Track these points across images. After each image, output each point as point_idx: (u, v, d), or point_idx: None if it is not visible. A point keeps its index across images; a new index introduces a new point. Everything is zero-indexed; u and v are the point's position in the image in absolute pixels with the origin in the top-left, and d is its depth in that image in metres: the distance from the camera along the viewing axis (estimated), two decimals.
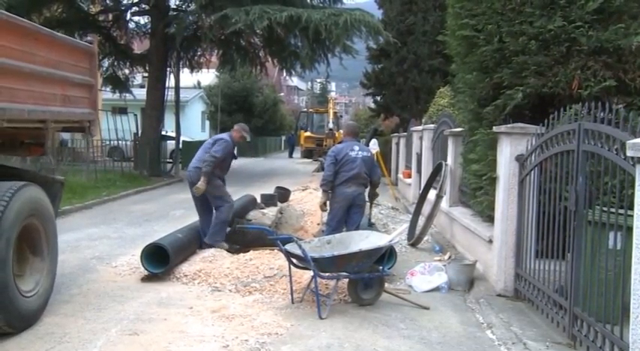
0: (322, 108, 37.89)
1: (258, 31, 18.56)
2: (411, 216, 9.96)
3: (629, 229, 3.76)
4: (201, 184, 7.23)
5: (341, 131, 31.23)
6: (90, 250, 7.76)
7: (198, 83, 36.67)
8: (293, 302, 5.61)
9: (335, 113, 33.50)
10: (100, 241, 8.42)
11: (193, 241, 7.17)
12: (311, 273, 5.47)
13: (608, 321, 4.02)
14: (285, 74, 28.35)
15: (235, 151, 8.00)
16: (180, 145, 20.73)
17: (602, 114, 4.32)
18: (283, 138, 48.83)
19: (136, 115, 20.71)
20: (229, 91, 38.91)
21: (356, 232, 6.41)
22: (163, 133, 20.57)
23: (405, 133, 17.43)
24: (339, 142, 7.78)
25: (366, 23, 17.54)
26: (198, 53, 21.86)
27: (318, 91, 70.46)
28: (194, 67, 22.39)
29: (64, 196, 6.67)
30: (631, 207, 3.74)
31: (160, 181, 17.38)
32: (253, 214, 8.87)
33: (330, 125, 30.47)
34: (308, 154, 32.60)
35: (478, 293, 6.17)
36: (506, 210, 6.06)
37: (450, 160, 9.38)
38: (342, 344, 4.59)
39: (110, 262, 7.07)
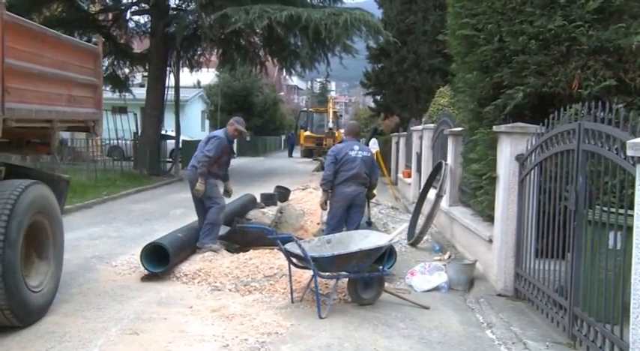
0: (322, 107, 37.92)
1: (258, 30, 18.58)
2: (410, 215, 9.96)
3: (630, 229, 3.76)
4: (199, 185, 7.21)
5: (341, 131, 31.32)
6: (90, 250, 7.76)
7: (198, 82, 36.70)
8: (293, 302, 5.61)
9: (335, 113, 33.51)
10: (100, 241, 8.42)
11: (193, 241, 7.16)
12: (311, 272, 5.47)
13: (608, 321, 4.02)
14: (284, 74, 28.34)
15: (235, 147, 7.92)
16: (180, 145, 20.74)
17: (602, 113, 4.32)
18: (283, 137, 48.84)
19: (135, 114, 20.72)
20: (229, 90, 38.95)
21: (356, 231, 6.40)
22: (163, 132, 20.58)
23: (405, 133, 17.43)
24: (340, 142, 7.78)
25: (366, 22, 17.55)
26: (198, 52, 21.87)
27: (318, 91, 70.54)
28: (194, 66, 22.40)
29: None
30: (631, 207, 3.73)
31: (160, 181, 17.39)
32: (253, 214, 8.87)
33: (330, 125, 30.49)
34: (308, 153, 32.62)
35: (478, 293, 6.17)
36: (506, 210, 6.06)
37: (449, 160, 9.37)
38: (342, 344, 4.59)
39: (110, 262, 7.07)
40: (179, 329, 4.78)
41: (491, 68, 6.47)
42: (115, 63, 20.94)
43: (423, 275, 6.52)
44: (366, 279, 5.64)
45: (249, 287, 5.98)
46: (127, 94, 21.36)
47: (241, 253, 7.08)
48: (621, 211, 4.05)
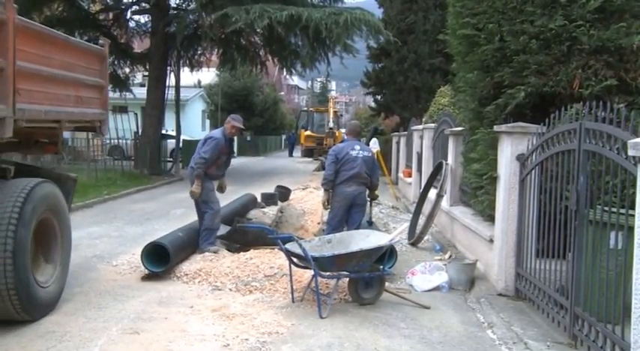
0: (323, 107, 37.92)
1: (258, 30, 18.57)
2: (411, 215, 9.96)
3: (631, 229, 3.75)
4: (195, 187, 7.16)
5: (341, 130, 31.33)
6: (91, 249, 7.76)
7: (199, 82, 36.69)
8: (293, 301, 5.61)
9: (335, 112, 33.52)
10: (100, 240, 8.42)
11: (194, 240, 7.16)
12: (311, 272, 5.46)
13: (610, 321, 4.02)
14: (285, 73, 28.34)
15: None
16: (181, 144, 20.74)
17: (603, 113, 4.31)
18: (284, 137, 48.85)
19: (136, 114, 20.72)
20: (230, 90, 38.96)
21: (356, 231, 6.40)
22: (164, 132, 20.58)
23: (406, 133, 17.42)
24: (341, 141, 7.79)
25: (367, 22, 17.54)
26: (199, 52, 21.87)
27: (319, 90, 70.54)
28: (194, 66, 22.40)
29: None
30: (632, 206, 3.73)
31: (161, 180, 17.39)
32: (254, 213, 8.88)
33: (331, 124, 30.49)
34: (308, 153, 32.62)
35: (479, 293, 6.17)
36: (507, 209, 6.05)
37: (450, 160, 9.37)
38: (343, 343, 4.59)
39: (111, 261, 7.07)
40: (180, 329, 4.78)
41: (491, 68, 6.47)
42: (116, 62, 20.93)
43: (423, 275, 6.51)
44: (366, 279, 5.63)
45: (249, 287, 5.98)
46: (127, 93, 21.37)
47: (242, 253, 7.08)
48: (622, 210, 4.04)
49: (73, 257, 7.03)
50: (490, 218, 6.90)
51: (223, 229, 7.60)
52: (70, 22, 18.37)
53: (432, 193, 9.33)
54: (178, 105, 20.69)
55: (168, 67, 20.05)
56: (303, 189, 13.43)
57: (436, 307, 5.71)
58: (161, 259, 6.30)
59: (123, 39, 20.75)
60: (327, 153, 7.45)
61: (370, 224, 7.52)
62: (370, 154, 7.12)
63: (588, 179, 4.55)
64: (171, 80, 20.01)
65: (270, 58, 21.96)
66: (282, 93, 57.73)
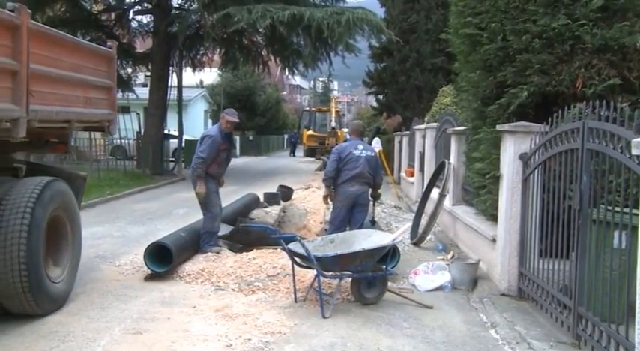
0: (325, 107, 37.90)
1: (260, 29, 18.58)
2: (413, 215, 9.95)
3: (635, 228, 3.75)
4: (198, 188, 7.15)
5: (343, 130, 31.34)
6: (93, 249, 7.75)
7: (201, 82, 36.71)
8: (296, 301, 5.60)
9: (337, 112, 33.52)
10: (103, 240, 8.43)
11: (196, 240, 7.16)
12: (314, 272, 5.46)
13: (613, 320, 4.01)
14: (287, 73, 28.33)
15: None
16: (183, 144, 20.76)
17: (606, 112, 4.30)
18: (286, 137, 48.85)
19: (138, 114, 20.73)
20: (232, 89, 38.96)
21: (359, 231, 6.40)
22: (166, 132, 20.59)
23: (408, 132, 17.41)
24: (344, 141, 7.79)
25: (369, 22, 17.53)
26: (201, 52, 21.90)
27: (321, 90, 70.49)
28: (196, 65, 22.42)
29: None
30: (636, 206, 3.73)
31: (163, 180, 17.41)
32: (256, 213, 8.88)
33: (333, 124, 30.48)
34: (310, 152, 32.62)
35: (482, 292, 6.15)
36: (509, 209, 6.04)
37: (453, 159, 9.36)
38: (346, 343, 4.58)
39: (114, 261, 7.07)
40: (182, 329, 4.78)
41: (494, 67, 6.46)
42: (118, 63, 20.89)
43: (426, 275, 6.50)
44: (369, 278, 5.63)
45: (252, 287, 5.98)
46: (129, 93, 21.39)
47: (244, 253, 7.08)
48: (626, 210, 4.03)
49: None
50: (493, 218, 6.89)
51: (226, 229, 7.59)
52: (72, 23, 18.41)
53: (435, 193, 9.32)
54: (181, 105, 20.70)
55: (171, 67, 20.07)
56: (306, 189, 13.44)
57: (439, 307, 5.71)
58: (164, 259, 6.30)
59: (125, 39, 20.77)
60: (330, 153, 7.44)
61: (373, 224, 7.52)
62: (373, 154, 7.12)
63: (591, 178, 4.53)
64: (173, 80, 20.03)
65: (272, 57, 21.97)
66: (284, 93, 57.75)
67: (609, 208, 4.21)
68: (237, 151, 33.11)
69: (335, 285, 5.67)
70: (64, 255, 5.47)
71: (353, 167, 6.82)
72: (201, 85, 37.27)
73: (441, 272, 6.50)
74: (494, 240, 6.51)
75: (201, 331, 4.72)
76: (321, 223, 9.04)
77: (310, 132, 33.99)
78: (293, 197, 11.46)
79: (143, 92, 21.65)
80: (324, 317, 5.15)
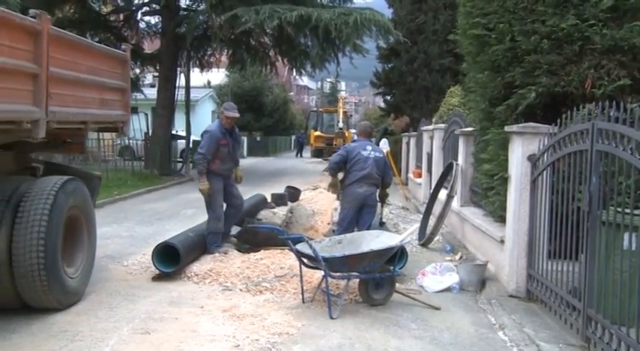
0: (332, 107, 37.88)
1: (268, 30, 18.59)
2: (421, 216, 9.93)
3: None
4: (200, 185, 7.15)
5: (351, 131, 31.31)
6: (101, 249, 7.75)
7: (209, 83, 36.78)
8: (304, 302, 5.61)
9: (345, 113, 33.48)
10: (111, 240, 8.46)
11: (204, 241, 7.17)
12: (322, 273, 5.46)
13: (624, 323, 3.98)
14: (294, 74, 28.34)
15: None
16: (191, 145, 20.77)
17: (616, 113, 4.28)
18: (293, 137, 48.90)
19: (146, 114, 20.81)
20: (239, 90, 39.02)
21: (367, 231, 6.39)
22: (174, 132, 20.63)
23: (416, 133, 17.38)
24: (353, 141, 7.79)
25: (376, 22, 17.51)
26: (209, 53, 21.94)
27: (328, 91, 70.46)
28: (204, 66, 22.46)
29: None
30: None
31: (171, 180, 17.46)
32: (264, 214, 8.87)
33: (340, 125, 30.46)
34: (318, 153, 32.61)
35: (490, 294, 6.13)
36: (518, 210, 6.01)
37: (460, 160, 9.33)
38: (354, 344, 4.58)
39: (122, 261, 7.10)
40: (190, 329, 4.79)
41: (502, 68, 6.44)
42: None
43: (434, 276, 6.49)
44: (377, 279, 5.62)
45: (260, 287, 5.98)
46: (137, 94, 21.44)
47: (252, 253, 7.09)
48: (636, 211, 4.01)
49: None
50: (501, 219, 6.86)
51: (234, 230, 7.60)
52: (81, 24, 18.49)
53: (443, 194, 9.30)
54: (188, 105, 20.74)
55: (178, 68, 20.12)
56: (313, 189, 13.41)
57: (447, 309, 5.69)
58: (172, 260, 6.32)
59: (133, 40, 20.83)
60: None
61: (382, 225, 7.50)
62: (382, 155, 7.10)
63: (601, 180, 4.51)
64: (181, 81, 20.07)
65: (279, 58, 21.98)
66: (292, 93, 57.76)
67: (619, 209, 4.18)
68: (245, 152, 33.17)
69: (342, 286, 5.66)
70: (80, 251, 5.65)
71: (361, 168, 6.80)
72: (208, 85, 37.34)
73: (449, 273, 6.49)
74: (502, 241, 6.48)
75: (209, 332, 4.72)
76: (328, 223, 9.03)
77: (318, 133, 33.99)
78: (300, 198, 11.44)
79: (151, 93, 21.72)
80: (331, 318, 5.15)
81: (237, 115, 7.33)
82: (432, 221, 9.17)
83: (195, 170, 7.25)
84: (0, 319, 4.83)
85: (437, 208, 9.34)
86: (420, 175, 14.87)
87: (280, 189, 11.79)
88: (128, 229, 9.48)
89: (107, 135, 17.75)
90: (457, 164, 9.16)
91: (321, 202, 10.98)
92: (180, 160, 21.49)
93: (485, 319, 5.45)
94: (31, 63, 4.64)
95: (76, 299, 5.35)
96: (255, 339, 4.57)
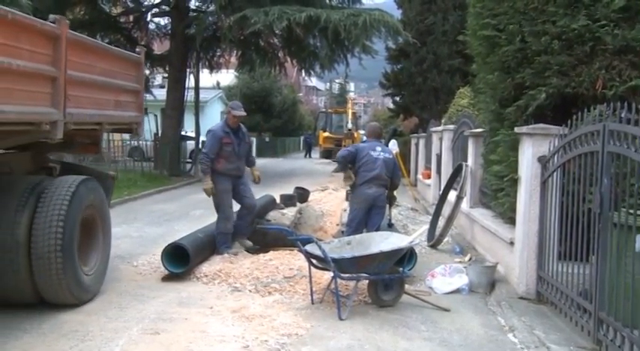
0: (341, 108, 37.85)
1: (277, 31, 18.62)
2: (430, 217, 9.91)
3: None
4: (204, 183, 7.16)
5: (360, 131, 31.27)
6: (112, 250, 7.71)
7: (218, 84, 36.88)
8: (313, 303, 5.60)
9: (354, 113, 33.44)
10: (121, 241, 8.49)
11: (213, 241, 7.19)
12: (331, 274, 5.46)
13: (636, 326, 3.95)
14: (303, 74, 28.37)
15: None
16: (200, 145, 20.84)
17: (627, 114, 4.25)
18: (302, 138, 48.94)
19: (156, 115, 20.89)
20: (248, 91, 39.10)
21: (376, 233, 6.38)
22: (183, 133, 20.69)
23: (425, 134, 17.34)
24: (363, 142, 7.78)
25: (386, 23, 17.50)
26: (218, 54, 22.01)
27: (337, 92, 70.43)
28: (213, 67, 22.53)
29: None
30: None
31: (180, 181, 17.51)
32: (273, 215, 8.88)
33: (349, 125, 30.44)
34: (327, 154, 32.59)
35: (499, 296, 6.10)
36: (528, 211, 5.99)
37: (470, 161, 9.30)
38: (363, 346, 4.58)
39: (131, 262, 7.13)
40: (200, 329, 4.80)
41: (512, 69, 6.41)
42: None
43: (443, 277, 6.47)
44: (386, 281, 5.61)
45: (269, 288, 5.99)
46: (147, 95, 21.48)
47: (261, 254, 7.10)
48: None
49: None
50: (511, 220, 6.84)
51: None
52: (91, 25, 18.60)
53: (452, 195, 9.28)
54: (198, 106, 20.82)
55: (188, 69, 20.19)
56: (322, 190, 13.42)
57: (456, 310, 5.67)
58: (181, 260, 6.34)
59: (143, 41, 20.96)
60: None
61: (390, 226, 7.49)
62: (391, 156, 7.09)
63: (612, 181, 4.48)
64: (190, 82, 20.14)
65: (288, 59, 22.00)
66: (301, 94, 57.79)
67: (631, 211, 4.15)
68: (254, 153, 33.17)
69: (352, 287, 5.65)
70: (96, 250, 5.80)
71: (371, 169, 6.79)
72: (218, 86, 37.45)
73: (459, 275, 6.46)
74: (512, 243, 6.46)
75: (219, 332, 4.74)
76: (337, 224, 9.03)
77: (327, 133, 33.98)
78: (309, 199, 11.44)
79: (161, 94, 21.81)
80: (340, 319, 5.15)
81: (243, 113, 7.28)
82: (441, 222, 9.14)
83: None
84: (12, 318, 4.87)
85: (446, 210, 9.32)
86: (429, 177, 14.84)
87: (289, 190, 11.79)
88: (138, 230, 9.52)
89: (117, 136, 17.89)
90: (466, 165, 9.14)
91: (330, 203, 10.99)
92: (190, 160, 21.56)
93: (495, 321, 5.43)
94: (50, 66, 4.79)
95: (90, 297, 5.44)
96: (265, 340, 4.58)
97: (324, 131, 34.52)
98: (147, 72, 21.81)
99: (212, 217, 8.20)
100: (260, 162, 28.48)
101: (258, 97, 39.72)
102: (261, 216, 8.57)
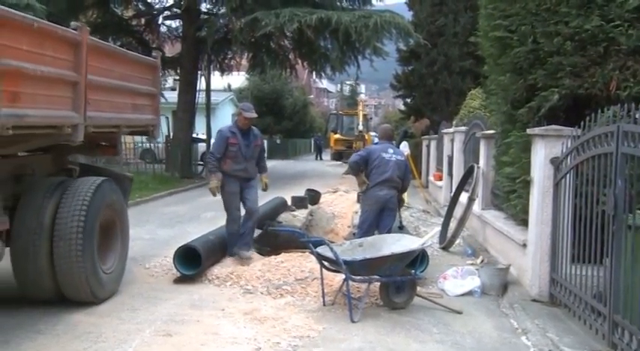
0: (352, 110, 37.82)
1: (288, 33, 18.66)
2: (442, 219, 9.87)
3: None
4: (209, 183, 7.20)
5: (371, 133, 31.25)
6: None
7: (229, 86, 37.02)
8: (325, 305, 5.60)
9: (365, 115, 33.40)
10: (133, 243, 8.44)
11: (225, 244, 7.20)
12: (342, 276, 5.45)
13: None
14: (314, 76, 28.41)
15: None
16: (211, 147, 20.90)
17: None
18: (312, 140, 49.01)
19: (167, 117, 20.98)
20: (259, 93, 39.22)
21: (388, 235, 6.37)
22: (194, 135, 20.76)
23: (436, 136, 17.29)
24: (374, 144, 7.77)
25: (396, 25, 17.49)
26: (229, 56, 22.08)
27: (348, 93, 70.41)
28: (224, 69, 22.61)
29: None
30: None
31: (191, 183, 17.57)
32: (284, 217, 8.89)
33: (360, 127, 30.41)
34: (338, 156, 32.59)
35: (512, 298, 6.06)
36: (540, 213, 5.95)
37: (482, 163, 9.26)
38: (375, 348, 4.57)
39: (143, 264, 7.16)
40: (212, 331, 4.81)
41: (524, 70, 6.38)
42: None
43: (455, 279, 6.44)
44: (398, 283, 5.59)
45: (280, 290, 5.99)
46: None
47: (273, 256, 7.10)
48: None
49: None
50: (523, 222, 6.79)
51: (254, 233, 7.61)
52: (104, 28, 18.73)
53: (464, 197, 9.24)
54: (209, 108, 20.90)
55: (199, 71, 20.27)
56: (333, 192, 13.41)
57: (469, 313, 5.64)
58: (193, 262, 6.36)
59: (154, 44, 21.07)
60: None
61: (401, 229, 7.47)
62: (403, 158, 7.07)
63: (626, 183, 4.44)
64: (201, 84, 20.21)
65: (299, 61, 22.04)
66: (312, 96, 57.87)
67: None
68: (265, 154, 33.27)
69: (363, 289, 5.65)
70: (114, 249, 5.94)
71: (383, 171, 6.77)
72: (229, 88, 37.58)
73: (471, 277, 6.43)
74: (524, 245, 6.42)
75: (231, 334, 4.74)
76: (348, 226, 9.02)
77: (337, 135, 33.98)
78: (321, 201, 11.46)
79: (172, 96, 21.90)
80: (352, 321, 5.14)
81: (254, 115, 7.21)
82: (452, 224, 9.10)
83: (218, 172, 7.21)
84: (26, 319, 4.92)
85: (458, 211, 9.28)
86: (440, 178, 14.79)
87: (300, 192, 11.83)
88: (150, 232, 9.56)
89: (128, 138, 17.97)
90: (478, 167, 9.09)
91: (341, 205, 10.98)
92: (201, 162, 21.63)
93: (508, 323, 5.39)
94: (71, 71, 4.97)
95: (106, 296, 5.56)
96: (277, 342, 4.58)
97: (335, 133, 34.51)
98: None
99: (223, 220, 8.21)
100: (271, 164, 28.51)
101: (269, 99, 39.83)
102: (273, 218, 8.58)
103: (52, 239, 5.05)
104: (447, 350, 4.63)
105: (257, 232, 7.73)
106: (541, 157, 5.96)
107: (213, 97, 23.86)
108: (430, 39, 20.21)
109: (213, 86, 22.03)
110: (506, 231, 7.29)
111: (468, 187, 9.34)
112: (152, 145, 19.55)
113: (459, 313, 5.58)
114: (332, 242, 6.17)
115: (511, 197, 7.15)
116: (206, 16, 19.91)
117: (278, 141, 39.60)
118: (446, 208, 10.11)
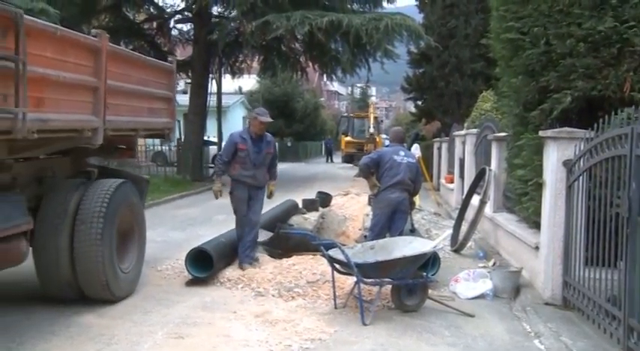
0: (363, 113, 37.77)
1: (299, 36, 18.70)
2: (453, 222, 9.83)
3: None
4: (214, 185, 7.28)
5: (382, 136, 31.21)
6: None
7: (240, 89, 37.15)
8: (336, 308, 5.60)
9: (376, 118, 33.26)
10: (146, 245, 8.55)
11: (236, 246, 7.20)
12: (354, 279, 5.44)
13: None
14: (325, 79, 28.44)
15: (273, 148, 7.21)
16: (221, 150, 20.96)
17: None
18: (323, 143, 49.06)
19: (179, 120, 20.97)
20: (270, 96, 39.30)
21: (400, 237, 6.36)
22: (205, 138, 20.84)
23: (447, 138, 17.24)
24: (386, 146, 7.77)
25: (407, 27, 17.48)
26: (240, 59, 22.14)
27: (359, 96, 70.41)
28: (236, 72, 22.67)
29: None
30: None
31: (203, 186, 17.59)
32: (295, 219, 8.91)
33: (371, 130, 30.37)
34: (349, 158, 32.54)
35: (524, 301, 6.02)
36: (553, 216, 5.91)
37: (494, 165, 9.22)
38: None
39: (155, 266, 7.19)
40: (223, 334, 4.82)
41: (537, 72, 6.35)
42: None
43: (467, 282, 6.41)
44: (409, 285, 5.58)
45: (292, 293, 5.99)
46: None
47: (284, 259, 7.10)
48: None
49: None
50: (535, 225, 6.75)
51: (266, 235, 7.63)
52: (116, 32, 18.82)
53: (475, 200, 9.20)
54: (220, 111, 20.98)
55: (210, 74, 20.35)
56: (344, 195, 13.41)
57: (481, 316, 5.61)
58: (205, 265, 6.38)
59: (166, 47, 21.20)
60: None
61: (413, 231, 7.45)
62: (414, 161, 7.06)
63: None
64: (212, 87, 20.29)
65: (310, 64, 22.06)
66: (323, 99, 57.91)
67: None
68: (277, 161, 33.32)
69: (375, 292, 5.63)
70: (132, 249, 6.08)
71: (394, 174, 6.76)
72: (240, 91, 37.71)
73: (483, 280, 6.40)
74: (537, 248, 6.38)
75: (242, 337, 4.75)
76: (360, 229, 9.01)
77: (348, 138, 33.94)
78: (332, 203, 11.46)
79: (183, 99, 21.96)
80: (364, 324, 5.13)
81: (269, 120, 7.08)
82: (464, 227, 9.07)
83: (226, 177, 7.21)
84: (42, 321, 4.97)
85: (469, 214, 9.24)
86: (452, 181, 14.74)
87: (311, 194, 11.84)
88: (161, 235, 9.60)
89: (140, 141, 18.09)
90: (490, 170, 9.05)
91: (352, 208, 10.98)
92: (212, 165, 21.69)
93: (520, 326, 5.36)
94: (92, 77, 5.14)
95: (123, 295, 5.68)
96: (288, 345, 4.58)
97: (346, 136, 34.47)
98: None
99: (234, 223, 8.24)
100: (282, 166, 28.59)
101: (280, 101, 39.90)
102: (284, 221, 8.59)
103: (72, 238, 5.19)
104: None
105: (268, 235, 7.75)
106: (553, 159, 5.92)
107: (225, 100, 23.95)
108: (441, 41, 20.17)
109: (224, 89, 22.12)
110: (519, 234, 7.25)
111: (479, 190, 9.31)
112: (164, 147, 19.65)
113: (471, 316, 5.55)
114: (343, 245, 6.16)
115: (523, 200, 7.11)
116: (217, 19, 19.99)
117: (289, 144, 39.65)
118: (457, 211, 10.07)
